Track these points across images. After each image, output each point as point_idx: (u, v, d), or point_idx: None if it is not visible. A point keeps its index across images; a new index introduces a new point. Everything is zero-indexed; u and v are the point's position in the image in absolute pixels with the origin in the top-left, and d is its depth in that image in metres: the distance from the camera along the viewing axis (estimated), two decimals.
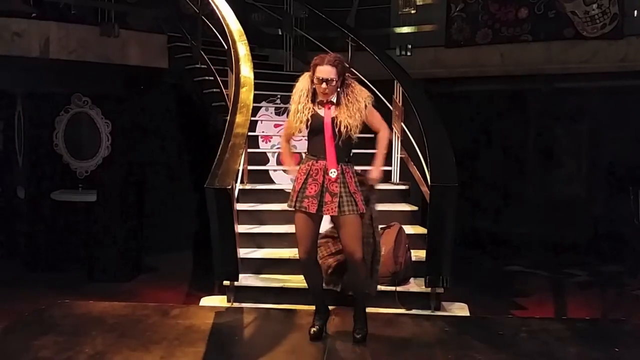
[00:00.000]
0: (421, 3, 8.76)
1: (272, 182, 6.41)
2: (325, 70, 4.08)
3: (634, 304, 6.48)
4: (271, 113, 7.32)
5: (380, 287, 5.03)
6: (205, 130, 7.49)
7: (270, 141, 6.89)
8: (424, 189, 5.48)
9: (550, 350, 4.19)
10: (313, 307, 4.47)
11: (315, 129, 4.18)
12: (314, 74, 4.13)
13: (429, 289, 4.93)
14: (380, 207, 5.92)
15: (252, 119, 6.16)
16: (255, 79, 5.86)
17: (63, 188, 8.21)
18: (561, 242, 8.65)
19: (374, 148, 4.35)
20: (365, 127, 4.28)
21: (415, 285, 5.09)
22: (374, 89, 6.56)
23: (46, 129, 8.26)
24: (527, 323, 4.80)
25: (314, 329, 4.34)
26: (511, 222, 9.20)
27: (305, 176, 4.16)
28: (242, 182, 5.98)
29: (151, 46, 7.95)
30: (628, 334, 4.59)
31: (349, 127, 4.09)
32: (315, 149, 4.19)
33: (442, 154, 4.99)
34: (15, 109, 8.43)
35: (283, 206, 5.92)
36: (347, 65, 4.44)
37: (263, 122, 7.14)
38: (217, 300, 5.21)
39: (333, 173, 4.11)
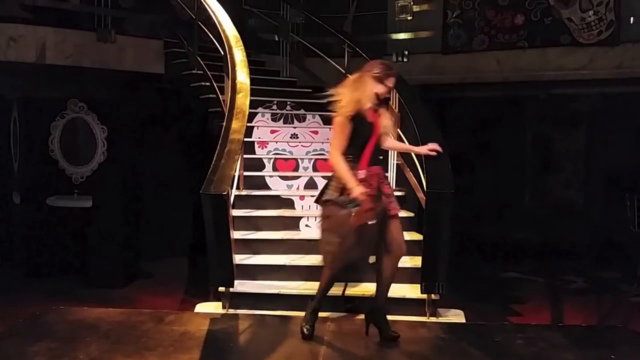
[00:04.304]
0: (418, 9, 8.77)
1: (268, 188, 6.41)
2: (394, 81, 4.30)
3: (631, 311, 6.47)
4: (267, 119, 7.33)
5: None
6: (201, 136, 7.47)
7: (266, 147, 6.88)
8: (420, 195, 5.48)
9: (547, 357, 4.19)
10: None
11: (368, 134, 4.25)
12: (382, 82, 4.21)
13: (425, 296, 4.93)
14: None
15: (248, 125, 6.16)
16: (251, 84, 5.86)
17: (59, 194, 8.18)
18: (558, 248, 8.64)
19: None
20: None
21: (412, 292, 5.08)
22: None
23: (42, 134, 8.23)
24: (524, 330, 4.79)
25: (308, 327, 4.37)
26: (508, 228, 9.19)
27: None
28: (237, 188, 5.98)
29: (147, 52, 7.94)
30: (625, 341, 4.58)
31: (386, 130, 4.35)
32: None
33: (438, 160, 4.98)
34: (11, 114, 8.41)
35: (279, 212, 5.93)
36: None
37: (259, 128, 7.14)
38: (213, 307, 5.20)
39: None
